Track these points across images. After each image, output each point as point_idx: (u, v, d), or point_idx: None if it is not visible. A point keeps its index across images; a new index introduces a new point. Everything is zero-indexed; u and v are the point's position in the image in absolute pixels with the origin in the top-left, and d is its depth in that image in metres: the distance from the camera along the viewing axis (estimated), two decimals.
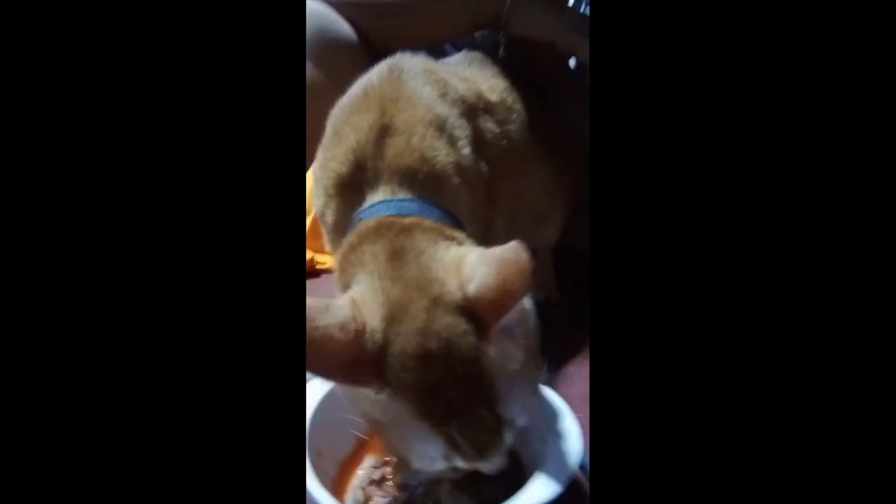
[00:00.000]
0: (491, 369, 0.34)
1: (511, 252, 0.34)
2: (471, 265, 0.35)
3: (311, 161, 0.48)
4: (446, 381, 0.33)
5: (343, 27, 0.61)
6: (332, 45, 0.60)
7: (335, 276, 0.41)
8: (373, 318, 0.34)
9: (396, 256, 0.36)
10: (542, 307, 0.75)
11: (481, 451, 0.34)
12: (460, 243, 0.39)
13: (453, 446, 0.34)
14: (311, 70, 0.59)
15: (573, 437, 0.40)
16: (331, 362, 0.33)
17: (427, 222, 0.39)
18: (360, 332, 0.33)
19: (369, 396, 0.34)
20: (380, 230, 0.38)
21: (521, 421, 0.36)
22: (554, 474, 0.37)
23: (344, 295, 0.37)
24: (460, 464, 0.35)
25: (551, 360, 0.43)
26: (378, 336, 0.34)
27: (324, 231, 0.47)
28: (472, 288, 0.34)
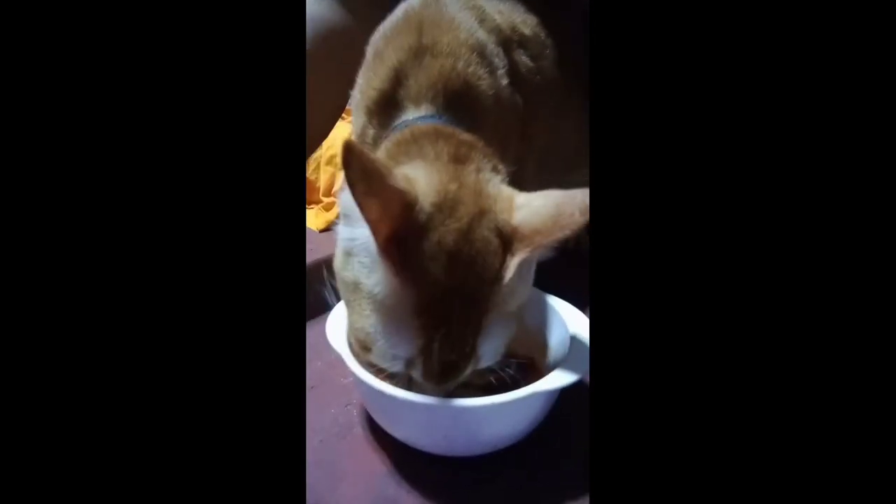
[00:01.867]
0: (494, 300, 0.34)
1: (576, 192, 0.34)
2: (525, 199, 0.36)
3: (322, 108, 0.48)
4: (458, 291, 0.33)
5: None
6: None
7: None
8: (424, 197, 0.34)
9: (459, 161, 0.37)
10: (571, 253, 0.76)
11: (444, 371, 0.35)
12: (504, 178, 0.40)
13: (426, 354, 0.34)
14: (337, 11, 0.59)
15: (586, 338, 0.42)
16: (386, 214, 0.32)
17: (481, 144, 0.39)
18: (411, 205, 0.33)
19: (375, 265, 0.34)
20: (438, 135, 0.38)
21: (484, 362, 0.36)
22: (567, 369, 0.39)
23: (397, 169, 0.36)
24: (416, 373, 0.35)
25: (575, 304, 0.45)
26: (424, 217, 0.34)
27: None
28: (519, 215, 0.35)
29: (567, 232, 0.33)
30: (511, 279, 0.34)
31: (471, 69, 0.42)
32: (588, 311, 0.46)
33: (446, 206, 0.34)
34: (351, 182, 0.30)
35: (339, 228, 0.36)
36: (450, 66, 0.42)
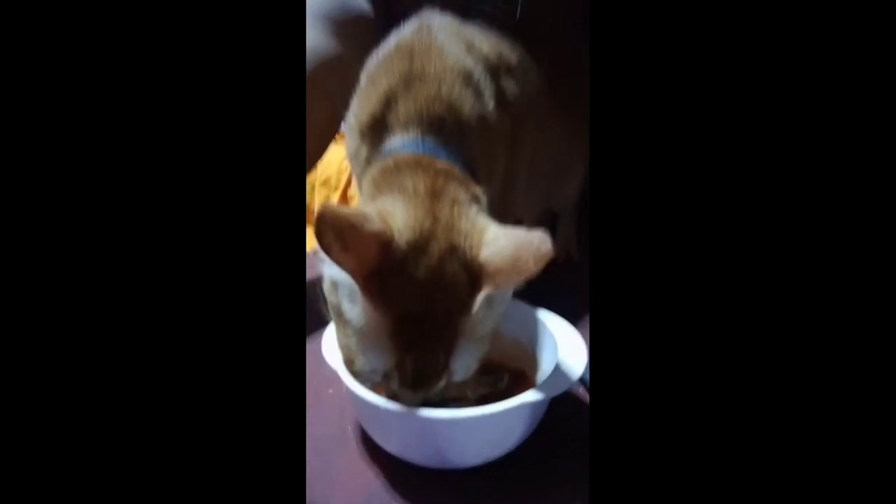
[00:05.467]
0: (465, 325, 0.37)
1: (535, 237, 0.36)
2: (493, 234, 0.38)
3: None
4: (429, 317, 0.36)
5: (361, 1, 0.64)
6: (351, 18, 0.63)
7: (363, 193, 0.44)
8: (399, 235, 0.37)
9: (435, 196, 0.39)
10: (561, 265, 0.79)
11: (418, 382, 0.38)
12: (479, 199, 0.42)
13: (401, 369, 0.37)
14: (332, 42, 0.62)
15: (578, 351, 0.43)
16: (363, 262, 0.35)
17: (457, 171, 0.42)
18: (388, 243, 0.36)
19: (355, 296, 0.37)
20: (418, 164, 0.41)
21: (458, 377, 0.39)
22: (556, 380, 0.41)
23: (372, 203, 0.40)
24: (394, 384, 0.38)
25: (566, 318, 0.47)
26: (399, 254, 0.37)
27: (354, 168, 0.51)
28: (486, 252, 0.37)
29: (524, 276, 0.36)
30: (478, 310, 0.37)
31: (455, 94, 0.45)
32: (578, 323, 0.47)
33: (420, 243, 0.37)
34: (326, 247, 0.33)
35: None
36: (435, 91, 0.45)
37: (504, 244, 0.37)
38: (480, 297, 0.36)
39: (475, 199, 0.42)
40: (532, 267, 0.35)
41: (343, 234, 0.34)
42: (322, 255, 0.36)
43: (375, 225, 0.36)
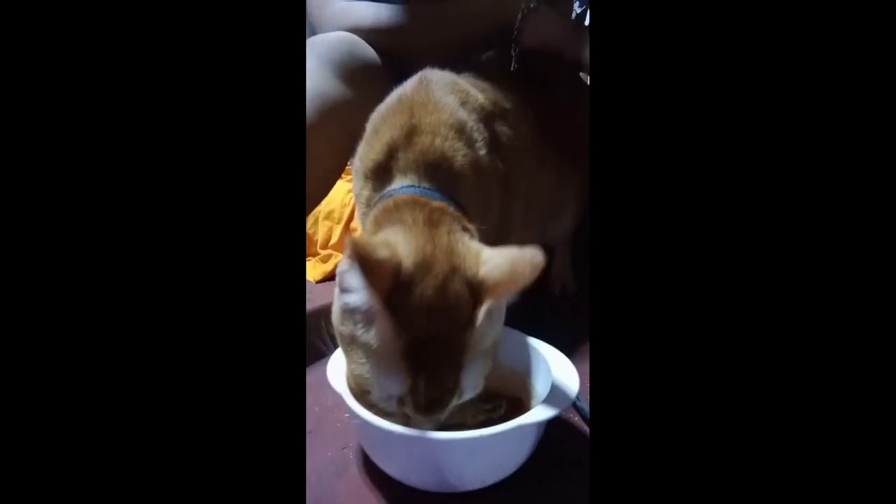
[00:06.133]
0: (470, 341, 0.40)
1: (528, 251, 0.40)
2: (488, 254, 0.42)
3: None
4: (437, 338, 0.39)
5: (368, 51, 0.69)
6: (360, 66, 0.68)
7: (365, 228, 0.48)
8: (406, 259, 0.40)
9: (433, 224, 0.43)
10: (557, 297, 0.82)
11: (431, 405, 0.40)
12: (471, 232, 0.46)
13: (414, 392, 0.39)
14: (342, 88, 0.66)
15: (570, 378, 0.46)
16: (383, 284, 0.38)
17: (450, 209, 0.46)
18: (397, 269, 0.40)
19: (369, 321, 0.40)
20: (415, 203, 0.45)
21: (469, 393, 0.42)
22: (550, 404, 0.43)
23: (378, 234, 0.44)
24: (408, 409, 0.41)
25: (562, 348, 0.50)
26: (407, 276, 0.40)
27: (358, 206, 0.56)
28: (484, 269, 0.41)
29: (522, 284, 0.39)
30: (482, 324, 0.40)
31: (448, 145, 0.50)
32: (573, 351, 0.50)
33: (424, 265, 0.41)
34: (366, 274, 0.38)
35: (337, 293, 0.42)
36: (430, 142, 0.50)
37: (500, 260, 0.41)
38: (483, 311, 0.39)
39: (467, 231, 0.46)
40: (528, 277, 0.39)
41: (368, 261, 0.37)
42: (342, 283, 0.40)
43: (385, 251, 0.39)
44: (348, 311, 0.41)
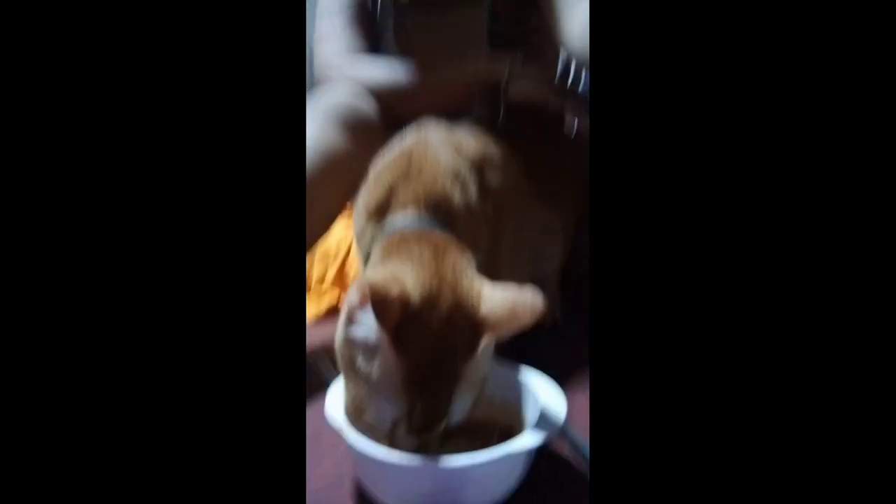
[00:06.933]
0: (466, 371, 0.44)
1: (528, 294, 0.44)
2: (490, 290, 0.46)
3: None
4: (438, 367, 0.43)
5: (370, 105, 0.75)
6: (362, 119, 0.73)
7: (372, 262, 0.51)
8: (413, 292, 0.44)
9: (438, 258, 0.47)
10: (545, 329, 0.85)
11: (424, 426, 0.43)
12: (472, 263, 0.50)
13: (409, 417, 0.42)
14: (343, 140, 0.72)
15: (556, 404, 0.49)
16: (388, 323, 0.42)
17: (453, 241, 0.51)
18: (406, 303, 0.43)
19: (372, 353, 0.42)
20: (421, 237, 0.50)
21: (455, 419, 0.45)
22: (539, 431, 0.46)
23: (382, 268, 0.47)
24: (400, 431, 0.43)
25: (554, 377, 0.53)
26: (415, 308, 0.43)
27: (357, 249, 0.60)
28: (485, 307, 0.45)
29: (520, 325, 0.43)
30: (479, 357, 0.44)
31: (446, 188, 0.56)
32: (564, 381, 0.53)
33: (430, 299, 0.44)
34: (377, 313, 0.41)
35: (340, 324, 0.46)
36: (430, 181, 0.55)
37: (500, 300, 0.45)
38: (482, 346, 0.43)
39: (469, 263, 0.50)
40: (527, 319, 0.43)
41: (383, 304, 0.41)
42: (351, 316, 0.43)
43: (396, 288, 0.43)
44: (352, 340, 0.45)
